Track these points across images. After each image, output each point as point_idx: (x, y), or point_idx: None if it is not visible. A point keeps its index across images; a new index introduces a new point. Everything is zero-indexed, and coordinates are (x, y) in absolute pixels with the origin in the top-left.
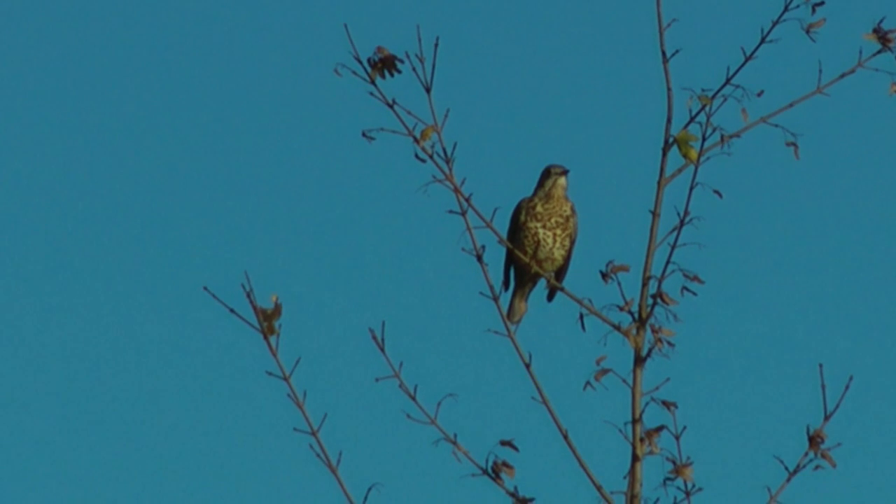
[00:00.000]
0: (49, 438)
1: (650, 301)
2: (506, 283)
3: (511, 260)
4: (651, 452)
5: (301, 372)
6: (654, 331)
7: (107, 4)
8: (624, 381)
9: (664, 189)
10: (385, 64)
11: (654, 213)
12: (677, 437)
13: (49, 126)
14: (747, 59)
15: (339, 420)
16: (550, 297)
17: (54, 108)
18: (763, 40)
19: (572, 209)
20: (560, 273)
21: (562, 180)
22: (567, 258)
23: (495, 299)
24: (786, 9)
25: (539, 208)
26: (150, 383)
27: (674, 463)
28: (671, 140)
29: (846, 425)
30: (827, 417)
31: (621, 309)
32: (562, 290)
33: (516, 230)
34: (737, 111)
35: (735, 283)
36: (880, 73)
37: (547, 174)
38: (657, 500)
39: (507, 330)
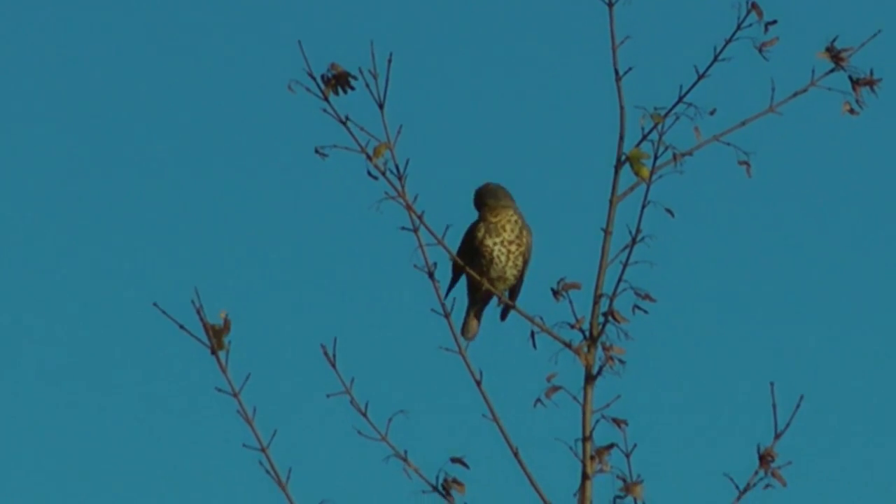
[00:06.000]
0: None
1: (601, 319)
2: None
3: (458, 278)
4: (601, 470)
5: (251, 388)
6: (605, 348)
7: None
8: (574, 398)
9: (616, 207)
10: (338, 80)
11: (606, 231)
12: (628, 455)
13: None
14: (700, 78)
15: (289, 436)
16: (503, 316)
17: None
18: (716, 59)
19: (518, 213)
20: (513, 293)
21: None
22: (520, 278)
23: (447, 316)
24: (738, 27)
25: (491, 218)
26: (98, 399)
27: (624, 481)
28: (623, 158)
29: (797, 444)
30: (777, 436)
31: (572, 327)
32: (513, 307)
33: (471, 251)
34: (689, 129)
35: (686, 302)
36: (833, 92)
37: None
38: None
39: (459, 347)
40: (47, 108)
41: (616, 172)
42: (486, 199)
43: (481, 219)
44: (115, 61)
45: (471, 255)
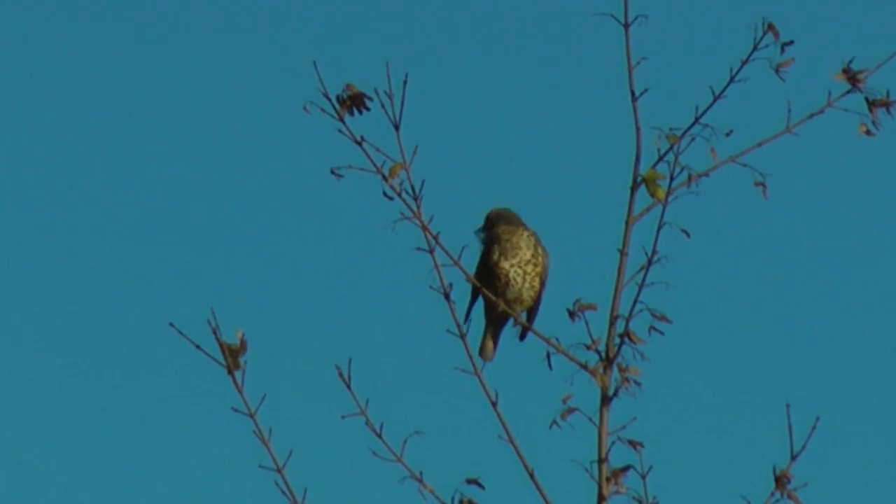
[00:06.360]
0: (7, 476)
1: (617, 340)
2: (465, 321)
3: (476, 299)
4: (617, 492)
5: (267, 408)
6: (620, 370)
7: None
8: (590, 420)
9: (632, 228)
10: (354, 101)
11: (622, 252)
12: (643, 477)
13: None
14: (716, 99)
15: (304, 457)
16: (522, 336)
17: None
18: (732, 79)
19: (533, 233)
20: (530, 314)
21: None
22: (536, 300)
23: (462, 337)
24: (755, 48)
25: (504, 235)
26: (114, 419)
27: (640, 502)
28: (639, 179)
29: (813, 466)
30: (794, 458)
31: (588, 348)
32: (529, 328)
33: (487, 272)
34: (705, 150)
35: (702, 323)
36: (850, 114)
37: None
38: None
39: (474, 368)
40: (65, 122)
41: (632, 193)
42: (498, 222)
43: (495, 240)
44: (132, 82)
45: (487, 275)
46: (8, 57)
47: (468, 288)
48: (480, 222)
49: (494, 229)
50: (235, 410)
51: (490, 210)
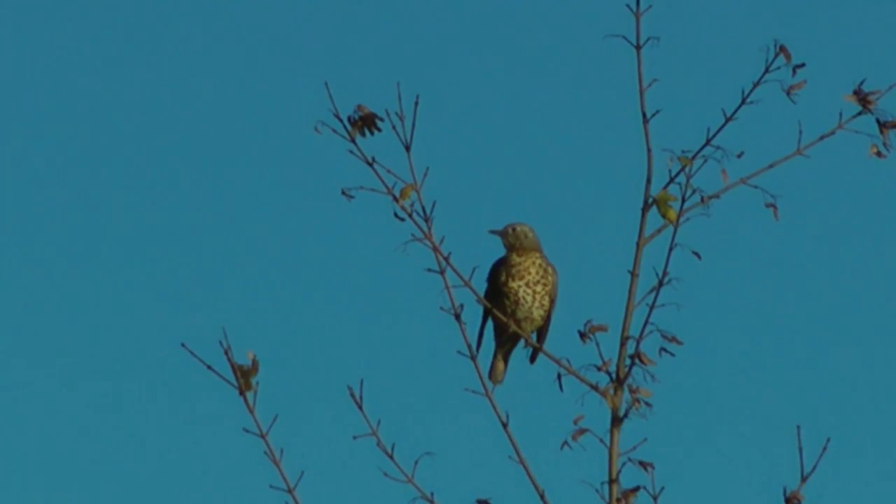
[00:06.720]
0: (23, 496)
1: (628, 361)
2: (478, 346)
3: (486, 320)
4: None
5: (278, 429)
6: (631, 391)
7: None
8: (601, 441)
9: (643, 249)
10: (365, 122)
11: (633, 274)
12: (654, 498)
13: None
14: (727, 121)
15: (316, 477)
16: (533, 359)
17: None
18: (743, 101)
19: (545, 259)
20: (541, 334)
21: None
22: (547, 319)
23: (473, 358)
24: (766, 70)
25: (515, 258)
26: (126, 440)
27: None
28: (651, 200)
29: (823, 487)
30: (804, 479)
31: (599, 369)
32: (540, 349)
33: (496, 292)
34: (717, 172)
35: (713, 344)
36: (860, 135)
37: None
38: None
39: (485, 389)
40: (83, 138)
41: (643, 215)
42: (521, 240)
43: (505, 259)
44: (144, 103)
45: (496, 295)
46: (17, 60)
47: (479, 309)
48: (492, 243)
49: (508, 258)
50: (247, 431)
51: (510, 226)
